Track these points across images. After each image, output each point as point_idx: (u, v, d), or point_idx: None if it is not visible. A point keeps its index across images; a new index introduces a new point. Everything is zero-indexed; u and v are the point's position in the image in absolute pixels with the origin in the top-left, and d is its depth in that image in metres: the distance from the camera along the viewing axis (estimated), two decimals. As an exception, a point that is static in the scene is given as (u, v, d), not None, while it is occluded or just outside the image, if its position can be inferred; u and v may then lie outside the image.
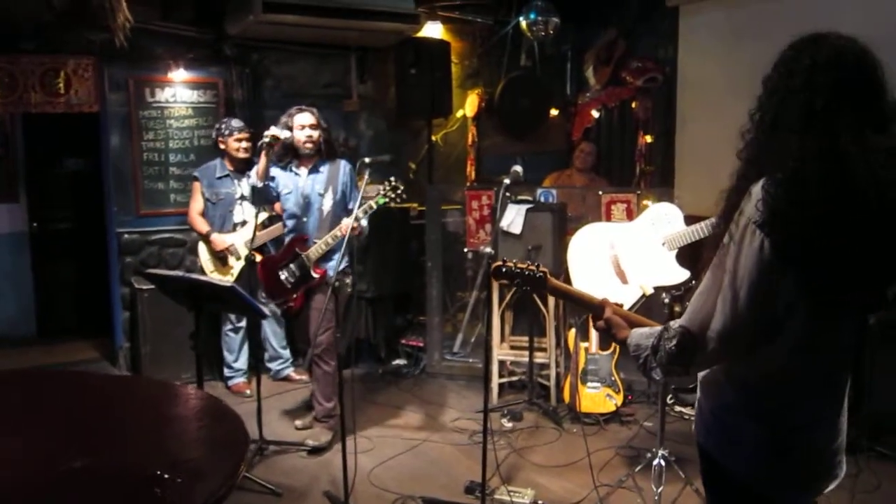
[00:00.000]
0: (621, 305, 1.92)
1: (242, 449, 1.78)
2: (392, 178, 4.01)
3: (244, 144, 4.96)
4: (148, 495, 1.47)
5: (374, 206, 3.98)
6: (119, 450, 1.87)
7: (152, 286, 4.81)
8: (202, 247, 4.99)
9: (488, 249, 3.32)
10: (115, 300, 5.60)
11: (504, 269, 2.00)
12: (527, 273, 1.95)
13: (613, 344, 4.67)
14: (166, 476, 1.55)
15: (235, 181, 5.03)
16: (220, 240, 4.91)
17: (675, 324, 1.68)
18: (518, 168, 3.50)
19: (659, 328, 1.72)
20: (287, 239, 4.33)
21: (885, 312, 1.74)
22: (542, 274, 1.93)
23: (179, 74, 5.50)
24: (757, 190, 1.54)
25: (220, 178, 5.02)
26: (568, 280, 3.78)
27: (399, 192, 3.99)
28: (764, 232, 1.51)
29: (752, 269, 1.54)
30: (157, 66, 5.46)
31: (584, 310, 1.92)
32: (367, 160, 3.58)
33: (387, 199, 4.00)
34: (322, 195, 4.24)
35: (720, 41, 5.59)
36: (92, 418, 2.11)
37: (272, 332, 5.40)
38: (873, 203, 1.48)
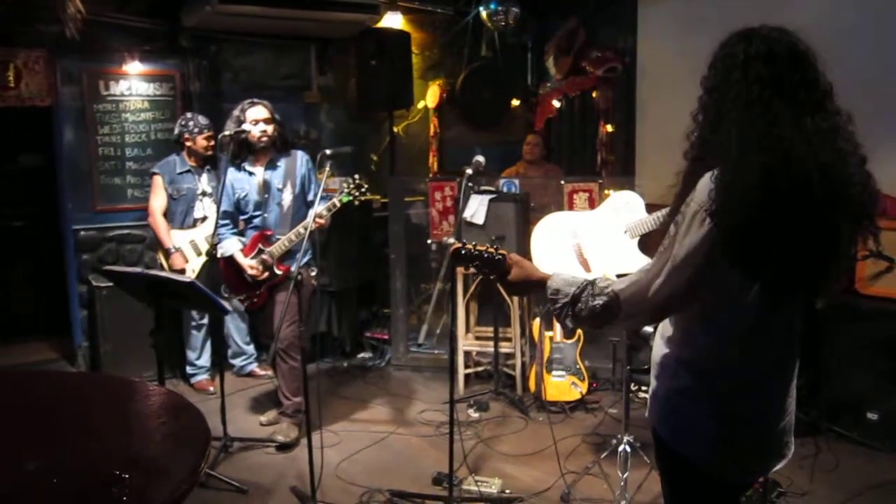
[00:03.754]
0: None
1: (204, 445, 1.74)
2: (356, 176, 3.97)
3: (212, 143, 4.89)
4: (105, 496, 1.43)
5: (338, 205, 3.94)
6: (75, 450, 1.82)
7: (111, 283, 4.73)
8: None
9: (451, 240, 3.30)
10: (73, 298, 5.49)
11: (464, 252, 1.98)
12: (485, 255, 1.94)
13: (578, 332, 4.70)
14: (124, 476, 1.51)
15: (196, 176, 4.95)
16: (179, 261, 4.82)
17: (601, 282, 1.74)
18: (480, 158, 3.49)
19: (581, 279, 1.78)
20: (249, 234, 4.26)
21: (840, 297, 1.77)
22: (501, 256, 1.93)
23: (135, 67, 5.38)
24: (706, 181, 1.58)
25: (181, 173, 4.93)
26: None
27: (363, 190, 3.96)
28: (713, 220, 1.55)
29: (696, 254, 1.58)
30: (111, 58, 5.33)
31: (532, 283, 1.91)
32: (327, 152, 3.54)
33: (350, 198, 3.97)
34: (281, 190, 4.18)
35: (678, 31, 5.65)
36: (47, 418, 2.05)
37: (235, 328, 5.34)
38: (817, 185, 1.52)
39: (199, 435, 1.80)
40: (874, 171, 1.65)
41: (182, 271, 4.79)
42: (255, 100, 4.15)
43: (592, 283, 1.75)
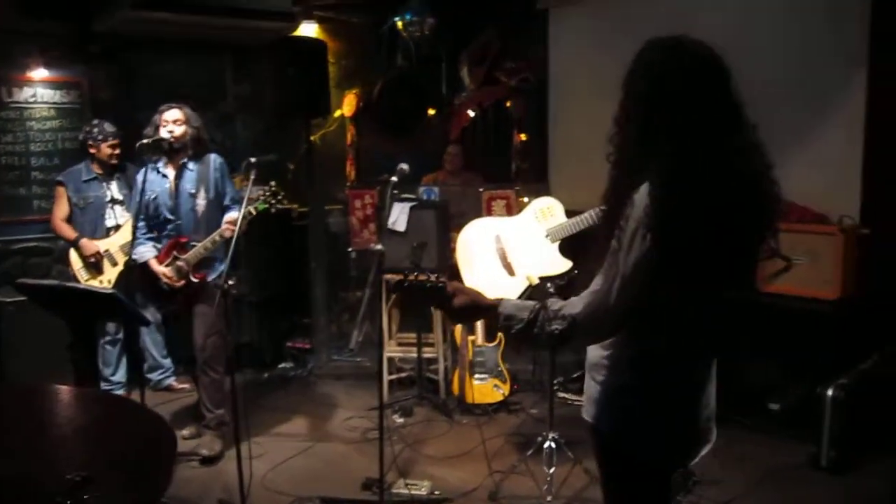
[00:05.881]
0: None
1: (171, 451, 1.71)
2: (272, 183, 3.95)
3: (117, 151, 4.76)
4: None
5: (254, 212, 3.91)
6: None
7: (16, 298, 4.54)
8: (74, 255, 4.73)
9: (379, 247, 3.35)
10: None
11: (406, 284, 1.97)
12: (427, 285, 1.93)
13: (499, 335, 4.82)
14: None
15: (105, 184, 4.82)
16: (90, 245, 4.68)
17: (555, 304, 1.78)
18: (405, 166, 3.55)
19: (531, 303, 1.82)
20: (164, 242, 4.16)
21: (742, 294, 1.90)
22: (442, 284, 1.92)
23: (40, 73, 5.19)
24: (641, 196, 1.64)
25: (87, 181, 4.78)
26: (456, 274, 3.88)
27: (279, 197, 3.94)
28: (652, 234, 1.62)
29: (641, 268, 1.65)
30: (14, 63, 5.12)
31: (481, 310, 1.92)
32: (252, 160, 3.51)
33: (267, 205, 3.95)
34: (194, 195, 4.10)
35: (587, 43, 5.88)
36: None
37: (152, 342, 5.20)
38: (747, 196, 1.63)
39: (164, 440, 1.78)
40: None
41: (97, 255, 4.66)
42: (173, 103, 4.10)
43: (545, 306, 1.78)
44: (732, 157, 1.64)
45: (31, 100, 5.21)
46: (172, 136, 4.02)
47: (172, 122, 4.04)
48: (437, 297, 1.93)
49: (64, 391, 2.26)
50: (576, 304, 1.77)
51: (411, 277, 1.97)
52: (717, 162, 1.63)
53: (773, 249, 1.79)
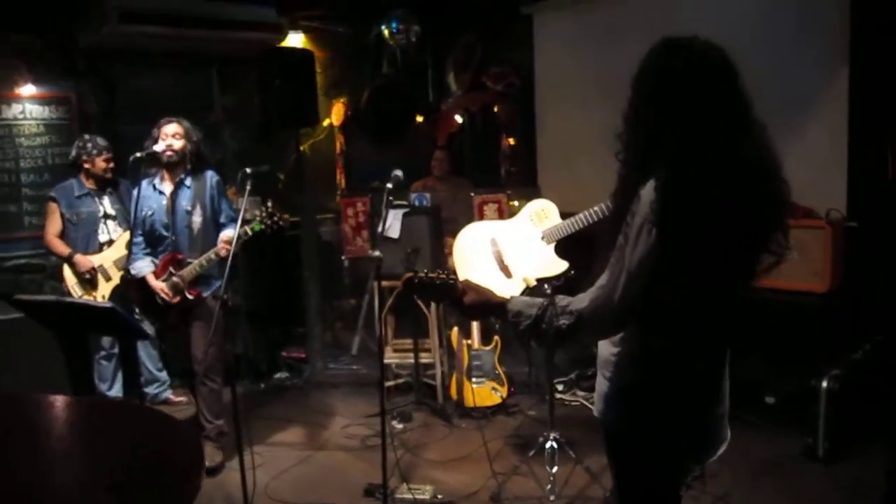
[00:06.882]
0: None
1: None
2: (269, 204, 3.93)
3: (111, 164, 4.77)
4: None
5: (250, 233, 3.89)
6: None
7: (9, 316, 4.52)
8: (67, 270, 4.71)
9: (376, 253, 3.37)
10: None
11: (416, 281, 2.01)
12: (438, 282, 1.97)
13: (495, 338, 4.85)
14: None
15: (97, 199, 4.81)
16: (85, 260, 4.67)
17: (563, 301, 1.81)
18: (399, 173, 3.57)
19: (539, 300, 1.85)
20: (160, 257, 4.16)
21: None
22: (452, 281, 1.97)
23: (28, 90, 5.19)
24: (647, 192, 1.67)
25: (79, 196, 4.77)
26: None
27: (275, 219, 3.92)
28: (659, 230, 1.64)
29: (647, 263, 1.67)
30: (2, 80, 5.12)
31: (491, 307, 1.95)
32: (248, 170, 3.51)
33: (263, 226, 3.93)
34: (190, 212, 4.10)
35: (571, 47, 5.94)
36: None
37: (147, 355, 5.19)
38: (753, 194, 1.66)
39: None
40: None
41: (91, 270, 4.64)
42: (173, 118, 4.10)
43: (553, 302, 1.81)
44: (739, 155, 1.66)
45: (20, 116, 5.21)
46: (171, 150, 4.02)
47: (172, 136, 4.05)
48: (447, 293, 1.97)
49: (86, 401, 2.28)
50: (582, 300, 1.79)
51: (421, 274, 1.99)
52: (722, 160, 1.65)
53: (784, 246, 1.81)
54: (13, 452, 1.95)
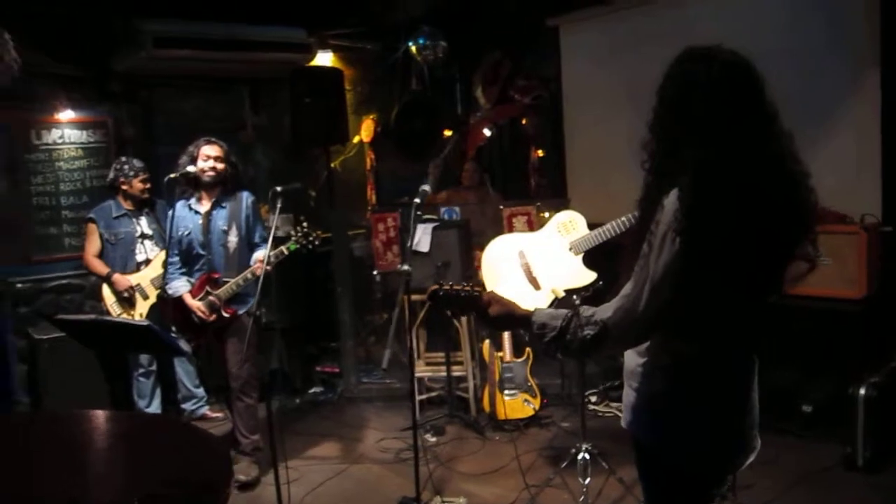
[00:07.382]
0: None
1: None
2: (304, 224, 4.00)
3: (148, 185, 4.89)
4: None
5: (286, 252, 3.96)
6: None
7: (51, 335, 4.65)
8: (106, 289, 4.83)
9: (406, 267, 3.40)
10: (11, 353, 5.32)
11: (442, 293, 2.03)
12: (463, 294, 1.99)
13: (527, 350, 4.85)
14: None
15: (134, 219, 4.92)
16: (123, 279, 4.78)
17: (587, 311, 1.81)
18: (426, 187, 3.60)
19: (563, 311, 1.85)
20: (197, 276, 4.25)
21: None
22: (478, 293, 1.98)
23: (66, 115, 5.34)
24: (671, 200, 1.67)
25: (117, 217, 4.89)
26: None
27: (311, 238, 3.99)
28: (682, 238, 1.64)
29: (671, 272, 1.67)
30: (42, 106, 5.28)
31: (516, 319, 1.96)
32: (278, 189, 3.57)
33: (298, 246, 4.00)
34: (226, 231, 4.18)
35: (598, 57, 5.95)
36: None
37: (184, 372, 5.28)
38: (779, 203, 1.65)
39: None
40: None
41: (129, 289, 4.75)
42: (212, 138, 4.19)
43: (577, 313, 1.81)
44: (764, 164, 1.66)
45: (59, 141, 5.36)
46: (214, 171, 4.12)
47: (214, 159, 4.14)
48: (473, 305, 1.98)
49: (121, 416, 2.34)
50: (607, 310, 1.79)
51: (447, 287, 2.01)
52: (747, 169, 1.65)
53: (812, 256, 1.80)
54: (56, 466, 2.02)
